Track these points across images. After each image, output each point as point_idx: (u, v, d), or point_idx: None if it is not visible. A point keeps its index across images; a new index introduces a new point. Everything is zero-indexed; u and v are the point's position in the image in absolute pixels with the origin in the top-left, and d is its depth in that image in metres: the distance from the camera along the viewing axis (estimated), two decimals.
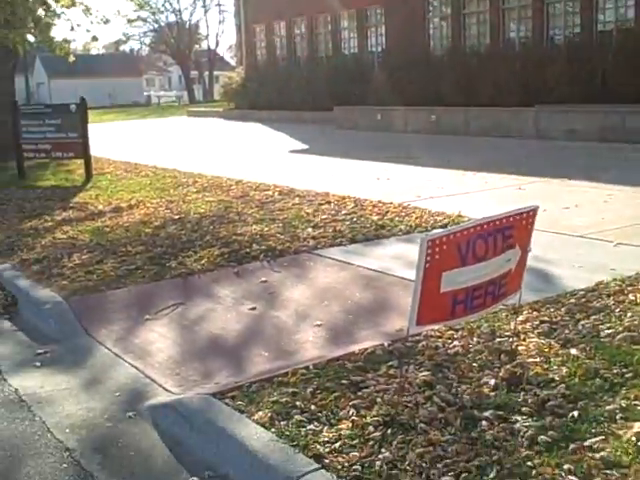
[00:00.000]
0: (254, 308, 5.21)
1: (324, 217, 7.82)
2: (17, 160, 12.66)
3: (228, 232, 7.22)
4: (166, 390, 4.05)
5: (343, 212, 8.06)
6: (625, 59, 16.29)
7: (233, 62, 60.23)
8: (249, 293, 5.55)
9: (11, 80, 15.40)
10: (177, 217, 8.21)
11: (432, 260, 3.50)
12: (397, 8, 23.62)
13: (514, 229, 3.99)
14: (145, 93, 73.05)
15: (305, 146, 17.44)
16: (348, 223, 7.49)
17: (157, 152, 16.71)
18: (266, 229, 7.30)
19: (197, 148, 18.24)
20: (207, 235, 7.12)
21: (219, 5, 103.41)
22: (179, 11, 69.96)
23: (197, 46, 72.88)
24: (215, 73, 67.67)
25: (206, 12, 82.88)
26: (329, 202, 8.70)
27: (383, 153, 14.32)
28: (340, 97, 23.29)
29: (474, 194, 9.27)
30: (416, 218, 7.59)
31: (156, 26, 68.83)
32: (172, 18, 68.08)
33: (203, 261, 6.26)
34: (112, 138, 22.16)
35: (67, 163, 13.87)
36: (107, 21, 15.74)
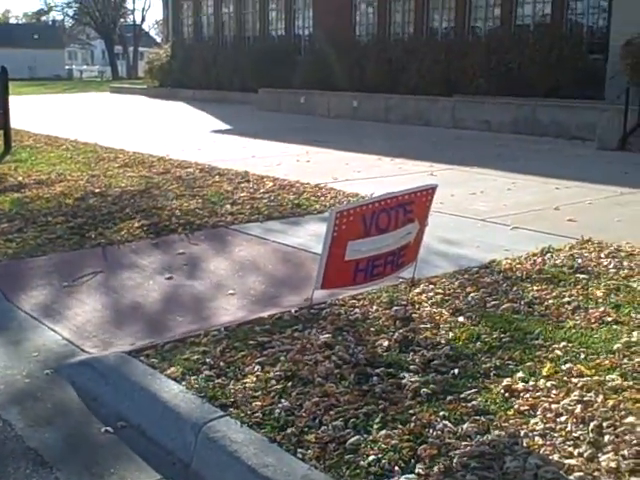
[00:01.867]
0: (171, 278, 5.44)
1: (243, 195, 8.08)
2: None
3: (148, 206, 7.41)
4: (83, 351, 4.26)
5: (261, 190, 8.34)
6: (540, 54, 17.01)
7: (159, 39, 59.40)
8: (167, 264, 5.78)
9: None
10: (98, 191, 8.32)
11: (339, 230, 3.84)
12: None
13: (414, 205, 4.36)
14: (67, 67, 71.32)
15: (228, 126, 17.60)
16: (266, 201, 7.77)
17: (78, 127, 16.57)
18: (186, 204, 7.51)
19: (119, 124, 18.15)
20: (127, 208, 7.29)
21: None
22: None
23: (122, 20, 71.53)
24: (140, 49, 66.61)
25: None
26: (248, 181, 8.96)
27: (304, 136, 14.66)
28: (266, 79, 23.48)
29: (388, 178, 9.68)
30: (331, 198, 7.94)
31: None
32: None
33: (123, 232, 6.45)
34: (32, 111, 21.77)
35: None
36: None
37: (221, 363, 3.69)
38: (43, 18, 77.69)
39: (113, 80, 50.82)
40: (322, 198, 8.02)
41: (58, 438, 3.39)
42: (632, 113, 13.23)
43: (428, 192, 4.35)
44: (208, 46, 29.27)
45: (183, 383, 3.52)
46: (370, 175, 9.89)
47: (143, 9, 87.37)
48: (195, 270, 5.63)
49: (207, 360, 3.73)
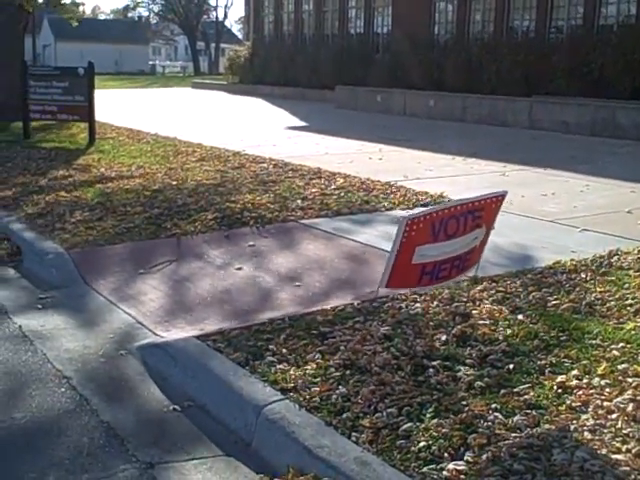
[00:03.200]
0: (240, 268, 5.65)
1: (314, 190, 8.24)
2: (23, 120, 13.03)
3: (222, 199, 7.65)
4: (155, 334, 4.50)
5: (332, 187, 8.49)
6: (623, 55, 16.63)
7: (240, 35, 60.32)
8: (237, 255, 6.00)
9: (21, 41, 15.71)
10: (175, 183, 8.62)
11: (408, 236, 3.97)
12: None
13: (483, 211, 4.44)
14: (150, 62, 73.11)
15: (304, 123, 17.83)
16: (335, 197, 7.92)
17: (159, 121, 17.08)
18: (258, 199, 7.72)
19: (198, 119, 18.61)
20: (202, 201, 7.55)
21: None
22: None
23: (205, 17, 72.91)
24: (222, 45, 67.73)
25: None
26: (320, 177, 9.12)
27: (379, 134, 14.75)
28: (343, 77, 23.65)
29: (459, 177, 9.70)
30: (400, 196, 8.03)
31: None
32: None
33: (197, 224, 6.70)
34: (116, 105, 22.50)
35: (70, 126, 14.27)
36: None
37: (283, 350, 3.86)
38: (130, 14, 79.83)
39: (195, 76, 51.91)
40: (391, 196, 8.12)
41: (130, 413, 3.62)
42: None
43: (498, 199, 4.43)
44: (287, 43, 29.63)
45: (247, 367, 3.69)
46: (441, 174, 9.93)
47: (225, 6, 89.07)
48: (264, 262, 5.82)
49: (270, 347, 3.90)
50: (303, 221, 6.95)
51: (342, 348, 3.83)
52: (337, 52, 25.22)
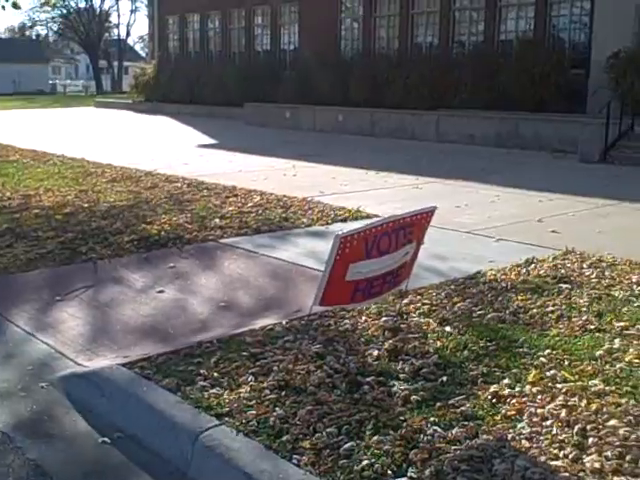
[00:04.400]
0: (162, 291, 5.52)
1: (231, 209, 8.17)
2: None
3: (138, 221, 7.48)
4: (77, 364, 4.33)
5: (249, 205, 8.44)
6: (523, 69, 17.25)
7: (143, 53, 59.53)
8: (158, 278, 5.86)
9: None
10: (87, 205, 8.39)
11: (342, 254, 3.94)
12: (311, 7, 24.13)
13: (414, 226, 4.48)
14: (51, 81, 71.22)
15: (214, 141, 17.70)
16: (254, 215, 7.87)
17: (64, 142, 16.62)
18: (175, 219, 7.59)
19: (106, 139, 18.21)
20: (117, 223, 7.36)
21: None
22: None
23: (107, 35, 71.58)
24: (125, 64, 66.66)
25: (118, 0, 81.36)
26: (236, 195, 9.06)
27: (290, 150, 14.80)
28: (251, 93, 23.64)
29: (375, 191, 9.81)
30: (318, 212, 8.06)
31: (65, 12, 67.26)
32: (82, 4, 66.73)
33: (113, 247, 6.53)
34: (16, 126, 21.79)
35: None
36: (18, 6, 15.32)
37: (215, 374, 3.78)
38: (27, 33, 77.56)
39: (97, 95, 50.79)
40: (309, 212, 8.13)
41: (57, 449, 3.45)
42: (613, 127, 13.47)
43: (428, 214, 4.48)
44: (194, 61, 29.45)
45: (178, 394, 3.60)
46: (357, 188, 10.02)
47: (128, 24, 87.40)
48: (186, 283, 5.71)
49: (201, 371, 3.82)
50: (223, 240, 6.87)
51: (275, 369, 3.78)
52: (244, 69, 25.21)
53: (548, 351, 3.95)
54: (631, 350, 3.98)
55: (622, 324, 4.40)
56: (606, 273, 5.55)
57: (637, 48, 16.01)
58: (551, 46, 18.47)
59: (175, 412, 3.45)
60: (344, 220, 7.66)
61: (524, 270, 5.63)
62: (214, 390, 3.60)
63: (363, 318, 4.52)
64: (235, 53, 28.49)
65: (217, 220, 7.59)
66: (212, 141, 17.70)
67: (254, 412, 3.35)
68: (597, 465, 2.83)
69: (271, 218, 7.76)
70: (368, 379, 3.64)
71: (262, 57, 26.76)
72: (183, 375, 3.79)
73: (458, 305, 4.73)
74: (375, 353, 3.96)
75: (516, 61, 17.73)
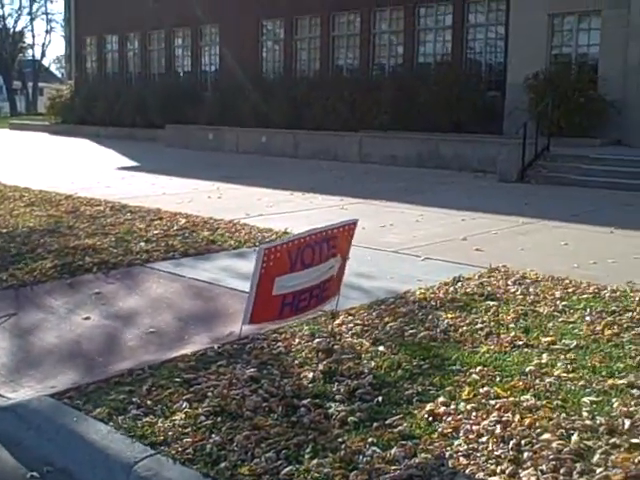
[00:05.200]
0: (88, 318, 5.38)
1: (156, 232, 8.04)
2: None
3: (60, 246, 7.28)
4: (1, 396, 4.17)
5: (175, 228, 8.33)
6: (442, 91, 17.68)
7: (60, 74, 58.33)
8: (83, 304, 5.71)
9: None
10: (5, 231, 8.12)
11: (267, 267, 3.93)
12: (232, 29, 24.16)
13: (337, 239, 4.50)
14: None
15: (136, 163, 17.45)
16: (180, 238, 7.77)
17: None
18: (99, 243, 7.42)
19: (22, 162, 17.72)
20: (38, 248, 7.15)
21: (47, 14, 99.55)
22: (2, 17, 66.58)
23: (21, 55, 69.80)
24: (40, 85, 65.11)
25: (32, 20, 79.49)
26: (161, 218, 8.93)
27: (214, 172, 14.72)
28: (172, 115, 23.45)
29: (300, 213, 9.84)
30: (245, 234, 8.02)
31: None
32: None
33: (35, 273, 6.32)
34: None
35: None
36: None
37: (148, 402, 3.69)
38: None
39: (12, 116, 49.38)
40: (236, 234, 8.08)
41: None
42: (530, 147, 13.91)
43: (350, 227, 4.51)
44: (113, 82, 29.03)
45: (110, 423, 3.50)
46: (282, 210, 10.02)
47: (43, 44, 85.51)
48: (113, 309, 5.58)
49: (133, 399, 3.72)
50: (150, 264, 6.76)
51: (210, 394, 3.72)
52: (165, 90, 25.00)
53: (480, 368, 4.01)
54: (559, 364, 4.09)
55: (548, 339, 4.51)
56: (530, 289, 5.70)
57: (552, 71, 16.63)
58: (468, 69, 19.01)
59: (107, 443, 3.35)
60: (271, 242, 7.64)
61: (452, 288, 5.72)
62: (147, 418, 3.52)
63: (296, 340, 4.50)
64: (155, 74, 28.24)
65: (142, 244, 7.46)
66: (133, 163, 17.45)
67: (190, 439, 3.29)
68: (533, 479, 2.88)
69: (198, 241, 7.67)
70: (304, 402, 3.62)
71: (183, 78, 26.61)
72: (114, 404, 3.69)
73: (390, 325, 4.77)
74: (310, 375, 3.94)
75: (435, 83, 18.16)
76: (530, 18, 17.09)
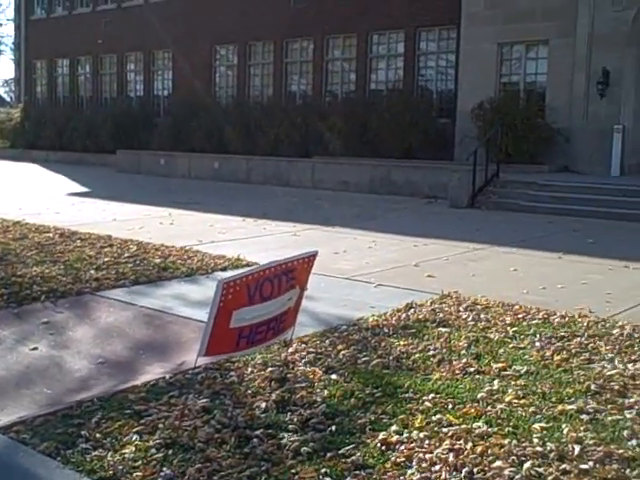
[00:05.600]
0: (36, 348, 5.26)
1: (107, 260, 7.94)
2: None
3: (7, 274, 7.13)
4: None
5: (126, 255, 8.23)
6: (394, 118, 17.90)
7: (9, 98, 57.50)
8: (30, 334, 5.58)
9: None
10: None
11: (225, 300, 3.90)
12: (185, 54, 24.15)
13: (296, 271, 4.50)
14: None
15: (86, 189, 17.25)
16: (131, 265, 7.67)
17: None
18: (47, 271, 7.29)
19: None
20: None
21: None
22: None
23: None
24: None
25: None
26: (112, 245, 8.82)
27: (166, 198, 14.62)
28: (124, 140, 23.30)
29: (253, 239, 9.81)
30: (197, 261, 7.96)
31: None
32: None
33: None
34: None
35: None
36: None
37: (97, 435, 3.62)
38: None
39: None
40: (188, 261, 8.02)
41: None
42: (480, 173, 14.13)
43: (310, 259, 4.52)
44: (63, 107, 28.73)
45: (58, 458, 3.41)
46: (235, 236, 9.99)
47: None
48: (61, 339, 5.46)
49: (82, 432, 3.65)
50: (100, 292, 6.65)
51: (161, 426, 3.66)
52: (117, 115, 24.83)
53: (432, 395, 4.03)
54: (510, 391, 4.13)
55: (500, 365, 4.56)
56: (481, 316, 5.76)
57: (500, 99, 16.98)
58: (420, 96, 19.29)
59: (55, 478, 3.27)
60: (224, 269, 7.61)
61: (404, 315, 5.75)
62: (97, 452, 3.44)
63: (249, 369, 4.47)
64: (107, 98, 28.05)
65: (92, 271, 7.35)
66: (84, 189, 17.23)
67: (140, 473, 3.23)
68: None
69: (149, 268, 7.59)
70: (257, 432, 3.59)
71: (135, 103, 26.45)
72: (63, 438, 3.61)
73: (343, 352, 4.77)
74: (263, 405, 3.91)
75: (387, 110, 18.38)
76: (480, 47, 17.46)
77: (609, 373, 4.44)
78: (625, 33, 15.23)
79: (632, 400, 4.05)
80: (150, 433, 3.61)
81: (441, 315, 5.76)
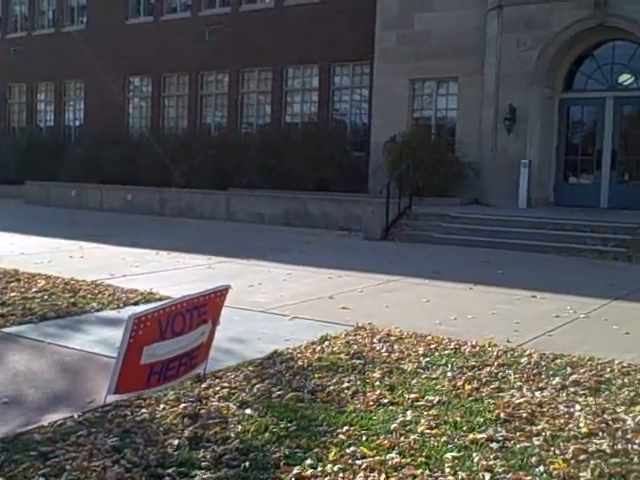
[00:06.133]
0: None
1: (13, 295, 7.68)
2: None
3: None
4: None
5: (34, 290, 7.98)
6: (308, 150, 18.06)
7: None
8: None
9: None
10: None
11: (136, 336, 3.82)
12: (97, 84, 23.81)
13: (209, 306, 4.45)
14: None
15: None
16: (39, 301, 7.44)
17: None
18: None
19: None
20: None
21: None
22: None
23: None
24: None
25: None
26: (18, 280, 8.54)
27: (77, 230, 14.29)
28: (34, 171, 22.68)
29: (167, 272, 9.68)
30: (109, 295, 7.79)
31: None
32: None
33: None
34: None
35: None
36: None
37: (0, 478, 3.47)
38: None
39: None
40: (99, 295, 7.84)
41: None
42: (393, 206, 14.38)
43: (222, 293, 4.48)
44: None
45: None
46: (148, 270, 9.83)
47: None
48: None
49: None
50: (5, 329, 6.41)
51: (68, 467, 3.54)
52: (26, 145, 24.18)
53: (346, 428, 4.04)
54: (422, 421, 4.18)
55: (413, 396, 4.61)
56: (395, 347, 5.82)
57: (412, 133, 17.38)
58: (334, 129, 19.55)
59: None
60: (136, 303, 7.47)
61: (319, 347, 5.77)
62: None
63: (161, 406, 4.38)
64: (15, 128, 27.32)
65: None
66: None
67: None
68: None
69: (58, 304, 7.37)
70: (169, 470, 3.51)
71: (46, 133, 25.86)
72: None
73: (257, 386, 4.73)
74: (175, 442, 3.83)
75: (302, 143, 18.55)
76: (392, 82, 17.87)
77: (518, 401, 4.55)
78: (529, 72, 15.86)
79: (539, 427, 4.15)
80: (57, 475, 3.48)
81: (355, 347, 5.79)
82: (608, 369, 5.33)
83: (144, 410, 4.32)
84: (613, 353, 5.78)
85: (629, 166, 16.01)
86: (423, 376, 5.08)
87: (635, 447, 3.87)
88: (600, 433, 4.08)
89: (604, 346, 6.09)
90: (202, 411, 4.29)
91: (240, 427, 4.05)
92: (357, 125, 19.92)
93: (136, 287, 8.23)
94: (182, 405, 4.37)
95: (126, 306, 7.36)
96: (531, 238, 12.86)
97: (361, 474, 3.45)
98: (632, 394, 4.76)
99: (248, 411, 4.28)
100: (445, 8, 17.25)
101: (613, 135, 15.83)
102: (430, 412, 4.35)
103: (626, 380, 5.08)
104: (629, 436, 4.04)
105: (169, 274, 9.59)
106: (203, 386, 4.72)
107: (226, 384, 4.79)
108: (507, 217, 14.01)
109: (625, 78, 15.95)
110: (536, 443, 3.92)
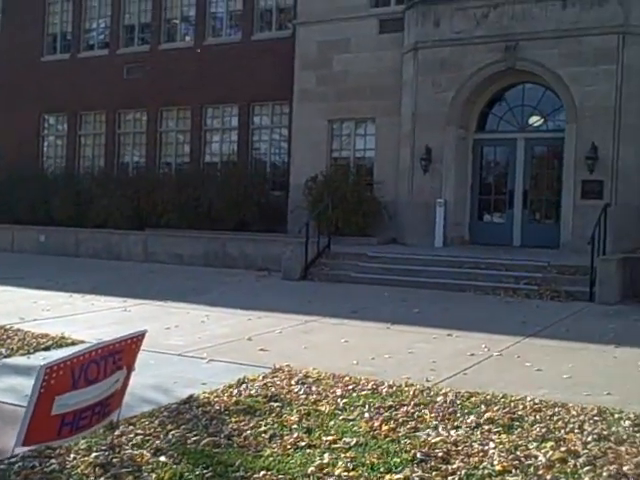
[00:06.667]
0: None
1: None
2: None
3: None
4: None
5: None
6: (228, 190, 18.02)
7: None
8: None
9: None
10: None
11: (47, 386, 3.69)
12: (11, 122, 23.22)
13: (124, 352, 4.36)
14: None
15: None
16: None
17: None
18: None
19: None
20: None
21: None
22: None
23: None
24: None
25: None
26: None
27: None
28: None
29: (80, 316, 9.44)
30: (18, 341, 7.54)
31: None
32: None
33: None
34: None
35: None
36: None
37: None
38: None
39: None
40: (8, 341, 7.57)
41: None
42: (312, 245, 14.44)
43: (138, 339, 4.40)
44: None
45: None
46: (61, 314, 9.56)
47: None
48: None
49: None
50: None
51: None
52: None
53: (263, 472, 3.99)
54: (340, 464, 4.16)
55: (330, 438, 4.60)
56: (313, 388, 5.81)
57: (331, 173, 17.57)
58: (254, 169, 19.56)
59: None
60: (47, 348, 7.24)
61: (236, 391, 5.70)
62: None
63: (72, 455, 4.23)
64: None
65: None
66: None
67: None
68: None
69: None
70: None
71: None
72: None
73: (172, 432, 4.63)
74: None
75: (221, 182, 18.49)
76: (311, 122, 18.07)
77: (434, 440, 4.60)
78: (445, 113, 16.28)
79: (455, 466, 4.20)
80: None
81: (273, 389, 5.75)
82: (521, 406, 5.45)
83: (53, 460, 4.17)
84: (525, 390, 5.91)
85: (539, 205, 16.53)
86: (340, 417, 5.08)
87: None
88: (513, 470, 4.15)
89: (517, 383, 6.23)
90: (115, 460, 4.17)
91: (154, 475, 3.95)
92: (277, 164, 20.00)
93: (48, 331, 8.00)
94: (94, 454, 4.24)
95: (37, 352, 7.13)
96: (447, 277, 13.09)
97: None
98: (543, 430, 4.87)
99: (163, 458, 4.19)
100: (363, 50, 17.61)
101: (524, 175, 16.35)
102: (347, 454, 4.34)
103: (537, 417, 5.19)
104: (540, 472, 4.12)
105: (83, 317, 9.35)
106: (116, 433, 4.59)
107: (140, 431, 4.68)
108: (424, 256, 14.24)
109: (535, 120, 16.56)
110: None
